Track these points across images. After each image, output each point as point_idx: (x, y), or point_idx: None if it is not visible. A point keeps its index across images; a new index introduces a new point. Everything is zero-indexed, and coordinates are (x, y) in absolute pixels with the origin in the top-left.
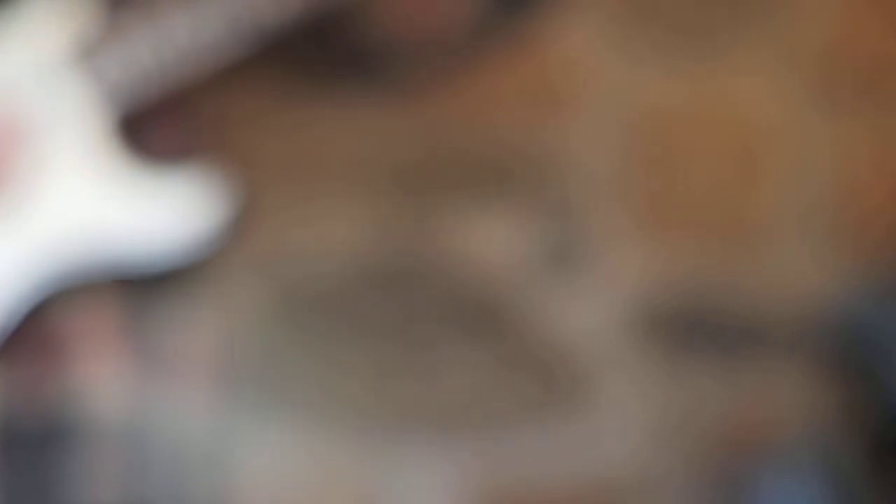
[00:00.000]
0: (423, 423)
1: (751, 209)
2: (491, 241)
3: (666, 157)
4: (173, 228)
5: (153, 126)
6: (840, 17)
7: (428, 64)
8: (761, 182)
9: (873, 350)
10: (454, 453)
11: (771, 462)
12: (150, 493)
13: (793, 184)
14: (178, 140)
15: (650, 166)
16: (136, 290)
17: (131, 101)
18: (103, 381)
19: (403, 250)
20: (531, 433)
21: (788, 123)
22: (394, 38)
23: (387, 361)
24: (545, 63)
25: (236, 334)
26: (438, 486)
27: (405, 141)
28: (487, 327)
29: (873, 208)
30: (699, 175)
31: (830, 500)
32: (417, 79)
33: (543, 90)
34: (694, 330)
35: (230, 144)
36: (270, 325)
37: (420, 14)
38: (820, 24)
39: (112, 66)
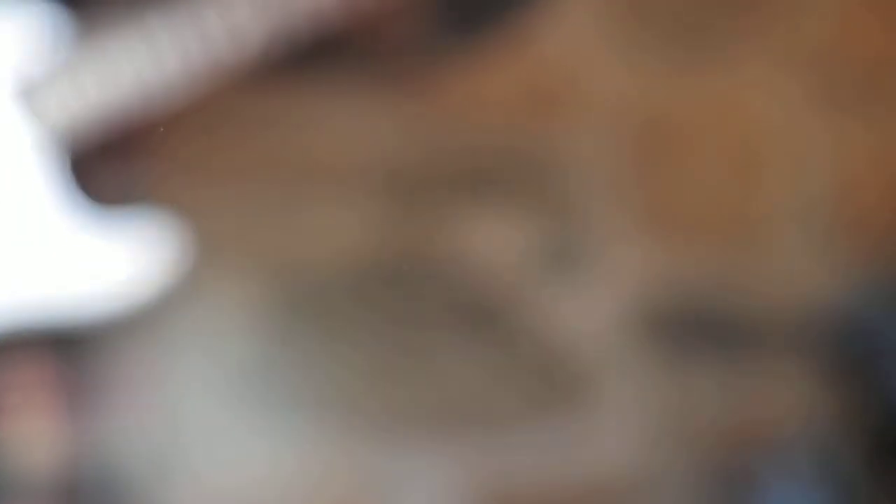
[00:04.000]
0: (423, 423)
1: (750, 209)
2: (491, 241)
3: (666, 157)
4: (117, 276)
5: (99, 168)
6: (838, 18)
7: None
8: (760, 182)
9: (872, 349)
10: (455, 453)
11: (770, 461)
12: None
13: (792, 184)
14: (125, 183)
15: (650, 167)
16: (72, 340)
17: (76, 141)
18: (37, 434)
19: (404, 251)
20: (532, 432)
21: (787, 124)
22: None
23: (388, 362)
24: (546, 64)
25: (238, 335)
26: (439, 485)
27: (406, 142)
28: (488, 328)
29: (872, 208)
30: (699, 175)
31: (830, 500)
32: (398, 80)
33: (544, 91)
34: (694, 330)
35: (231, 149)
36: (272, 326)
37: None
38: (818, 25)
39: (56, 103)
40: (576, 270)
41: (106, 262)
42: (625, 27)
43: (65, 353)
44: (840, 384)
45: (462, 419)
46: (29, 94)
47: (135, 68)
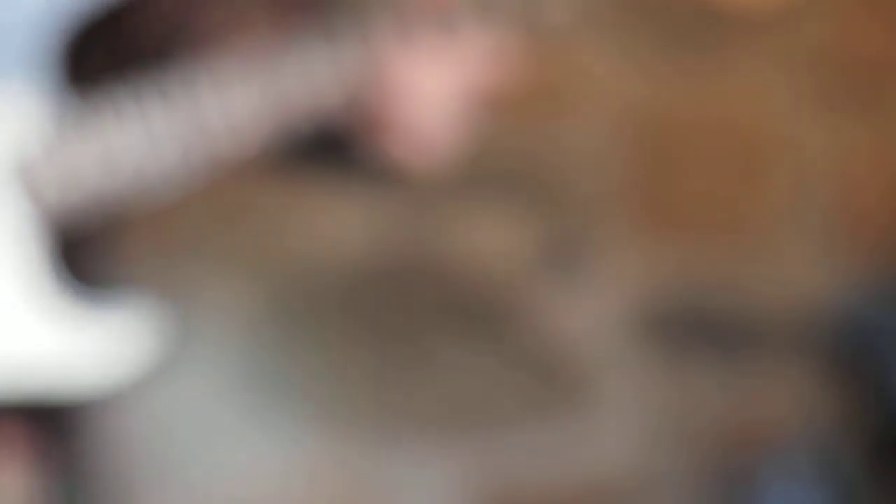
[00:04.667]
0: (424, 424)
1: (750, 210)
2: (492, 242)
3: (666, 158)
4: (100, 359)
5: (92, 250)
6: (838, 19)
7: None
8: (760, 183)
9: (872, 349)
10: (455, 453)
11: (770, 462)
12: None
13: (791, 185)
14: (111, 263)
15: (650, 168)
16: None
17: (70, 223)
18: (10, 493)
19: (405, 251)
20: (532, 433)
21: (787, 124)
22: None
23: (388, 363)
24: (547, 66)
25: (239, 338)
26: (439, 485)
27: None
28: (488, 328)
29: (872, 208)
30: (698, 176)
31: (830, 500)
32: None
33: (545, 92)
34: (693, 330)
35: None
36: (272, 326)
37: None
38: (817, 25)
39: (52, 185)
40: (576, 270)
41: (89, 341)
42: (626, 30)
43: (42, 414)
44: (840, 384)
45: (462, 420)
46: (25, 172)
47: (133, 156)
